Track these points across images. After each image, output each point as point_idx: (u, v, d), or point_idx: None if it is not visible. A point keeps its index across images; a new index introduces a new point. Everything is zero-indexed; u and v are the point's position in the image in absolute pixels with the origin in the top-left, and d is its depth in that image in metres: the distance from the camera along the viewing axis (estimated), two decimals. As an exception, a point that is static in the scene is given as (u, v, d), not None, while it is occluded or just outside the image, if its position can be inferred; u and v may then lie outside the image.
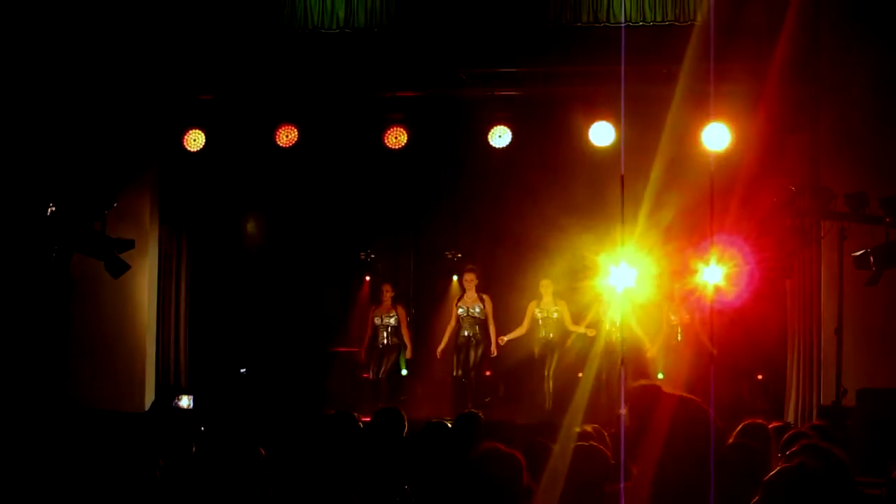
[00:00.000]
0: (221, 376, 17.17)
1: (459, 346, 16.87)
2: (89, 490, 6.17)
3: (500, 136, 16.00)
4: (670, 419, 5.04)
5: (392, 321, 17.08)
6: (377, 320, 17.11)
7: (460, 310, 16.86)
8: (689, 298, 16.17)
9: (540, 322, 16.72)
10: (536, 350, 16.76)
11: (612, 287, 16.13)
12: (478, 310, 16.81)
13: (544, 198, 16.77)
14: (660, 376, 16.58)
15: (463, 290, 17.04)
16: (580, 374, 16.36)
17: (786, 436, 7.68)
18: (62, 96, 15.80)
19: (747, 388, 16.67)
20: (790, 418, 15.38)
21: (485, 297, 16.88)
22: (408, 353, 17.19)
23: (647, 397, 5.21)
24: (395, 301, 17.21)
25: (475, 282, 16.89)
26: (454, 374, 16.90)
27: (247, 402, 16.14)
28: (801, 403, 15.40)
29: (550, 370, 16.61)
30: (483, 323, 16.82)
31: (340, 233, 18.62)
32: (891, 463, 8.56)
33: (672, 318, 16.21)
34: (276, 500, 5.97)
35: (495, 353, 16.79)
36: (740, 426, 7.74)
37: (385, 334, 17.08)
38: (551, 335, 16.68)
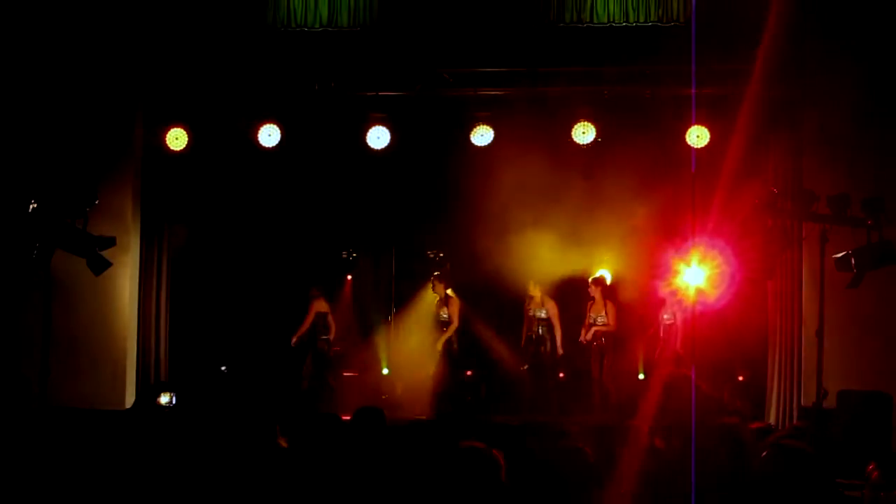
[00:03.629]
0: (202, 374, 17.14)
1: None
2: (70, 489, 6.16)
3: (482, 136, 16.03)
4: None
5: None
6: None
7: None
8: (672, 299, 16.27)
9: (532, 319, 17.19)
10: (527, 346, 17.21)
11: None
12: (445, 315, 17.02)
13: (529, 196, 16.84)
14: (640, 377, 16.71)
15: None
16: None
17: (767, 436, 7.71)
18: (43, 93, 15.77)
19: (728, 389, 16.71)
20: (771, 419, 15.43)
21: (450, 296, 17.13)
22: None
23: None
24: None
25: (441, 285, 17.15)
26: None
27: (227, 401, 16.14)
28: (782, 405, 15.45)
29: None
30: (448, 325, 17.09)
31: (323, 232, 18.61)
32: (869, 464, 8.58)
33: (664, 317, 16.42)
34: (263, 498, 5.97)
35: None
36: (714, 426, 7.76)
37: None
38: (540, 331, 17.01)
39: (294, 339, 17.28)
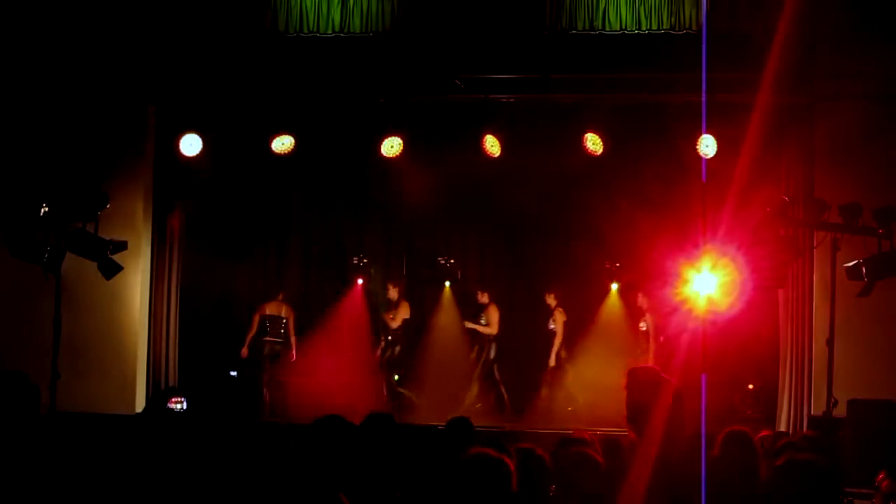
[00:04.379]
0: (211, 379, 17.13)
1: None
2: (81, 494, 6.17)
3: (492, 145, 15.96)
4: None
5: None
6: None
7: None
8: (662, 309, 16.33)
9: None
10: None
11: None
12: (392, 316, 17.68)
13: (541, 204, 16.92)
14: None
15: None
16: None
17: (777, 445, 7.69)
18: (56, 97, 15.80)
19: (739, 397, 16.68)
20: (782, 428, 15.40)
21: (402, 301, 17.79)
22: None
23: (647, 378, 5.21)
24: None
25: (395, 290, 17.70)
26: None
27: (236, 405, 16.20)
28: (793, 413, 15.42)
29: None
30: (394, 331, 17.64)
31: (334, 237, 18.63)
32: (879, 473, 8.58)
33: (641, 325, 16.59)
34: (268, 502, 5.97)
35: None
36: (723, 434, 7.76)
37: None
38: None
39: (244, 349, 17.29)
